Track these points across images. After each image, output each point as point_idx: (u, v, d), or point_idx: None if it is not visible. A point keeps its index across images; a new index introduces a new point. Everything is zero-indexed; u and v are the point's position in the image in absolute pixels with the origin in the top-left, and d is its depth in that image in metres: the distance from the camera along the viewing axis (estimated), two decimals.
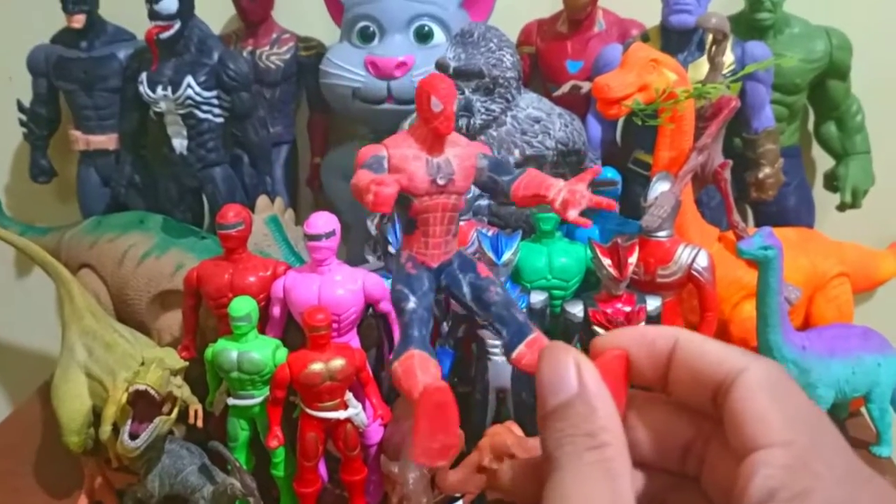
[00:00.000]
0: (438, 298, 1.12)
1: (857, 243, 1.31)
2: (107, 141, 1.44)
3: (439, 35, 1.35)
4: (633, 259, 1.02)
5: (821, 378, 1.09)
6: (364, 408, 1.02)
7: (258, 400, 1.03)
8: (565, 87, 1.31)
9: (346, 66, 1.33)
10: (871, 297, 1.49)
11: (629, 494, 0.31)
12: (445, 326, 1.11)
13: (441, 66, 1.17)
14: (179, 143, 1.32)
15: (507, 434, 0.93)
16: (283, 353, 1.02)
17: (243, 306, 1.01)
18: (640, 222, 1.09)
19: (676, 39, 1.25)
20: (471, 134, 1.18)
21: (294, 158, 1.55)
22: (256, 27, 1.48)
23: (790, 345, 1.07)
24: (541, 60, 1.43)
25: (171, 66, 1.29)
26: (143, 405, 0.94)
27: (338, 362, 0.97)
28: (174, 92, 1.28)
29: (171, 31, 1.26)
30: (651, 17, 1.32)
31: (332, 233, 1.03)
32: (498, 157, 0.74)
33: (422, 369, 0.60)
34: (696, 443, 0.35)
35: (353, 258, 1.27)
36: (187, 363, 1.02)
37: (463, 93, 1.16)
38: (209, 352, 1.04)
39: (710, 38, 1.17)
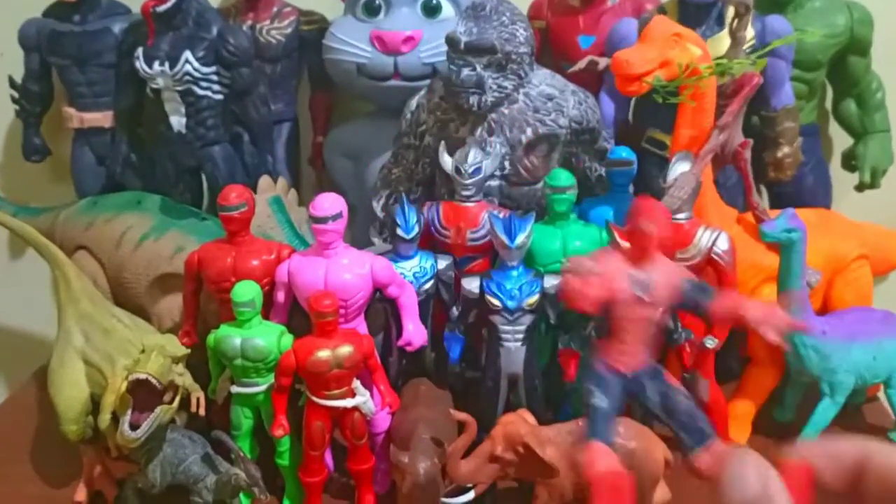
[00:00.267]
0: (448, 283, 1.10)
1: (876, 224, 1.28)
2: (102, 118, 1.40)
3: (448, 8, 1.31)
4: None
5: (841, 363, 1.08)
6: (371, 395, 0.99)
7: (262, 388, 1.00)
8: (581, 64, 1.26)
9: (351, 41, 1.29)
10: (888, 278, 1.46)
11: None
12: (455, 311, 1.08)
13: (452, 41, 1.13)
14: (177, 121, 1.29)
15: (521, 423, 0.90)
16: (288, 339, 0.99)
17: (247, 291, 0.98)
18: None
19: (695, 13, 1.21)
20: (482, 112, 1.14)
21: (296, 137, 1.51)
22: (257, 0, 1.43)
23: (810, 330, 1.05)
24: (551, 36, 1.38)
25: (168, 40, 1.25)
26: (143, 394, 0.92)
27: (345, 349, 0.95)
28: (171, 67, 1.24)
29: (168, 4, 1.23)
30: None
31: (339, 215, 0.99)
32: (698, 283, 0.87)
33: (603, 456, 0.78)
34: None
35: (358, 240, 1.23)
36: (189, 350, 0.99)
37: (474, 69, 1.12)
38: (211, 338, 1.01)
39: (731, 11, 1.13)
